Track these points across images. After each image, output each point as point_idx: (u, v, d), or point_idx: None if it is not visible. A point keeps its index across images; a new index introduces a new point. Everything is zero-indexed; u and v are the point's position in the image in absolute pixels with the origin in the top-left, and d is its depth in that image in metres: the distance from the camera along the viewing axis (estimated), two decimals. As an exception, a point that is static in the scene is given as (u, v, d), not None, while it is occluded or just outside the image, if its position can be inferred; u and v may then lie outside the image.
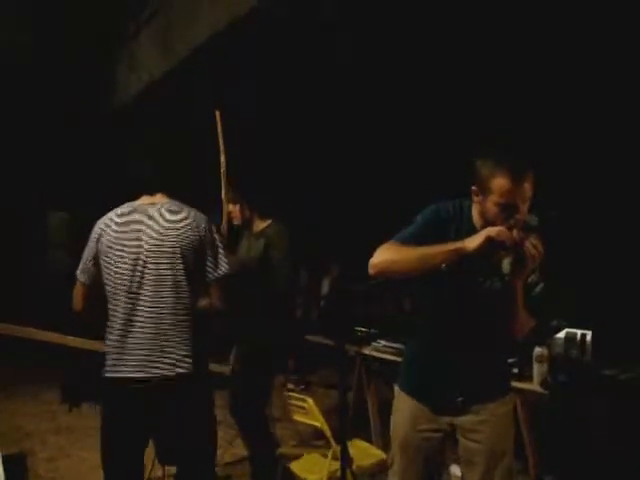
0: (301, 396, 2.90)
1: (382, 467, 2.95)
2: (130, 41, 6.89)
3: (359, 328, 4.29)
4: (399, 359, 3.77)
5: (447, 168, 5.21)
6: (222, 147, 3.31)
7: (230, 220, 3.45)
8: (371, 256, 2.14)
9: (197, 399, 2.41)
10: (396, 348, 3.84)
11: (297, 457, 3.06)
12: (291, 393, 3.00)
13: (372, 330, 4.23)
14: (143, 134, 5.94)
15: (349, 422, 3.89)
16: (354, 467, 2.90)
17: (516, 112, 4.99)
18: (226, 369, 3.51)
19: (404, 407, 2.34)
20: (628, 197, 4.83)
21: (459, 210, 2.23)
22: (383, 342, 3.99)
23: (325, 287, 6.62)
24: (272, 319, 3.38)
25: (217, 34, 5.13)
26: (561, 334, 3.38)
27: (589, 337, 3.34)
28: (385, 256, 2.11)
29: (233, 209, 3.49)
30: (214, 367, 3.40)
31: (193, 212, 2.46)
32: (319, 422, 2.83)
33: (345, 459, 2.44)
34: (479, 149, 2.16)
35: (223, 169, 3.32)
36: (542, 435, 3.13)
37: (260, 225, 3.54)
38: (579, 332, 3.38)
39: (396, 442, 2.35)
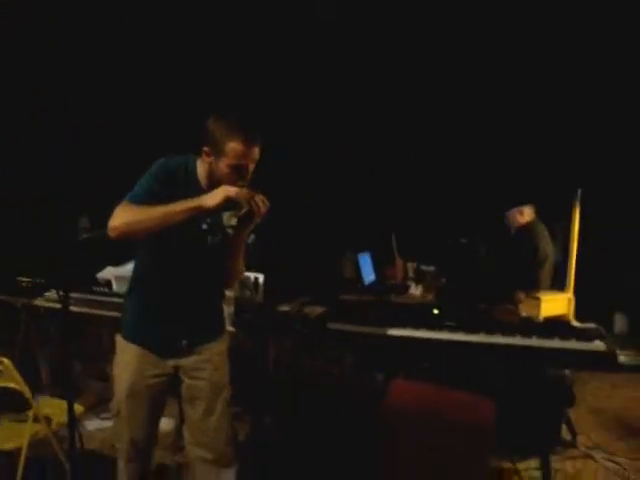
0: (-5, 357, 2.60)
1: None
2: None
3: (22, 278, 3.94)
4: (76, 309, 3.65)
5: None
6: None
7: None
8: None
9: None
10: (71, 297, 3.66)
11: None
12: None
13: (38, 280, 3.92)
14: None
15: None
16: (54, 425, 2.76)
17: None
18: None
19: (129, 356, 2.35)
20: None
21: (184, 167, 2.30)
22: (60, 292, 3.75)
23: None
24: None
25: None
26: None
27: (261, 279, 3.74)
28: (125, 218, 2.07)
29: None
30: None
31: None
32: (17, 383, 2.59)
33: (73, 417, 2.31)
34: (211, 111, 2.24)
35: None
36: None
37: None
38: (252, 275, 3.75)
39: (122, 390, 2.34)
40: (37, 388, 3.73)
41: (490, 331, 3.25)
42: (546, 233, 4.88)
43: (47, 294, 3.76)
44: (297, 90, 5.45)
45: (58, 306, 3.64)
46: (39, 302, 3.77)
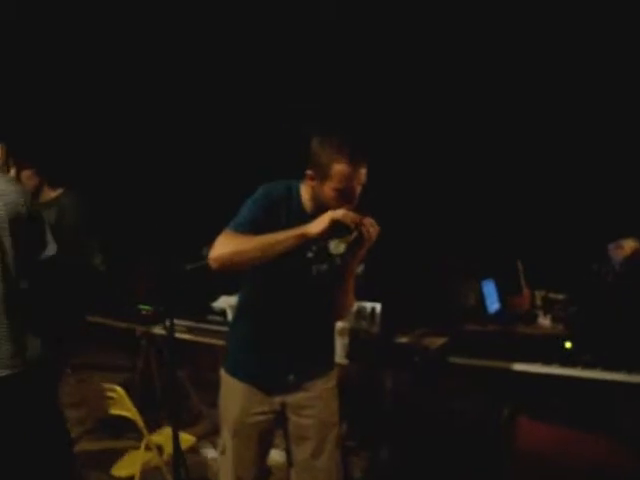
0: (109, 385, 2.62)
1: (191, 452, 2.85)
2: None
3: (143, 306, 4.02)
4: (190, 337, 3.68)
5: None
6: None
7: None
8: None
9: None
10: (186, 326, 3.72)
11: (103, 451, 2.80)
12: (103, 384, 2.69)
13: (159, 308, 3.99)
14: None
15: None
16: (165, 455, 2.75)
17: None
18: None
19: (234, 391, 2.27)
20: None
21: (288, 192, 2.19)
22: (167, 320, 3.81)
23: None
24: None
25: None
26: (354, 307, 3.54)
27: (378, 309, 3.56)
28: (228, 248, 1.99)
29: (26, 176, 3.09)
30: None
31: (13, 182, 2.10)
32: (130, 412, 2.60)
33: (178, 445, 2.27)
34: (314, 131, 2.12)
35: None
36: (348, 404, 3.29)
37: (50, 194, 3.18)
38: (369, 305, 3.59)
39: (227, 429, 2.27)
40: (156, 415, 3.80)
41: (635, 369, 2.89)
42: None
43: (165, 322, 3.81)
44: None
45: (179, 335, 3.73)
46: (157, 330, 3.84)
